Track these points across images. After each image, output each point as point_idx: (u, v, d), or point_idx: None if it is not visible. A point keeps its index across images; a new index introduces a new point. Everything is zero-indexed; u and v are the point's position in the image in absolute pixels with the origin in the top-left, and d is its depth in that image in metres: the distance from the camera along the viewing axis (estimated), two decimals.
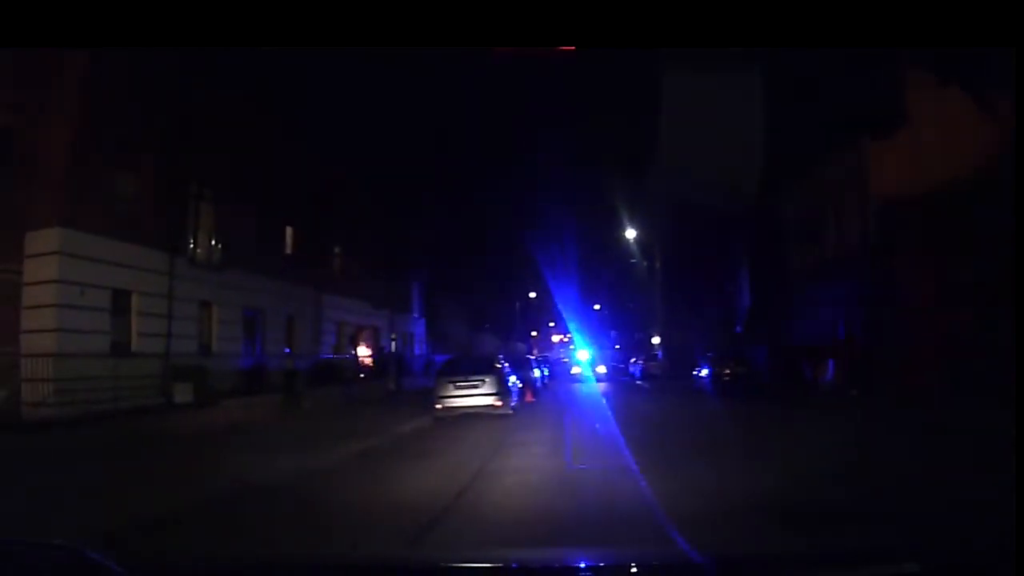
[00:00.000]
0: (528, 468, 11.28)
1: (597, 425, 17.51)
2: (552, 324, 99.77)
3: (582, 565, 2.96)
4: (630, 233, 48.65)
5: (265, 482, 10.24)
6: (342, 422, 18.73)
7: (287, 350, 27.97)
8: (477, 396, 19.56)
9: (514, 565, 3.09)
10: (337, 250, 35.03)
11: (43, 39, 4.42)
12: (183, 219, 22.28)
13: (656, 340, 59.60)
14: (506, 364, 23.24)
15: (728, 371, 30.86)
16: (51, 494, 8.79)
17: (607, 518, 7.58)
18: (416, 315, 49.37)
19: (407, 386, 33.74)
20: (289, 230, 29.69)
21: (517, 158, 60.36)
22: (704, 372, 33.19)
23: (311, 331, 31.08)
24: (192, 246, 22.60)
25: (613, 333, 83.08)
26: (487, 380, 19.84)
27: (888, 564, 2.69)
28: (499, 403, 19.59)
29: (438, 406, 19.63)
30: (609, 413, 21.01)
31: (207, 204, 23.57)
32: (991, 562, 2.62)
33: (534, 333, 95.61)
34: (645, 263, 52.30)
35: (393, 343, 41.06)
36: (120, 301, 19.35)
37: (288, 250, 29.60)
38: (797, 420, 18.81)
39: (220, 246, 23.81)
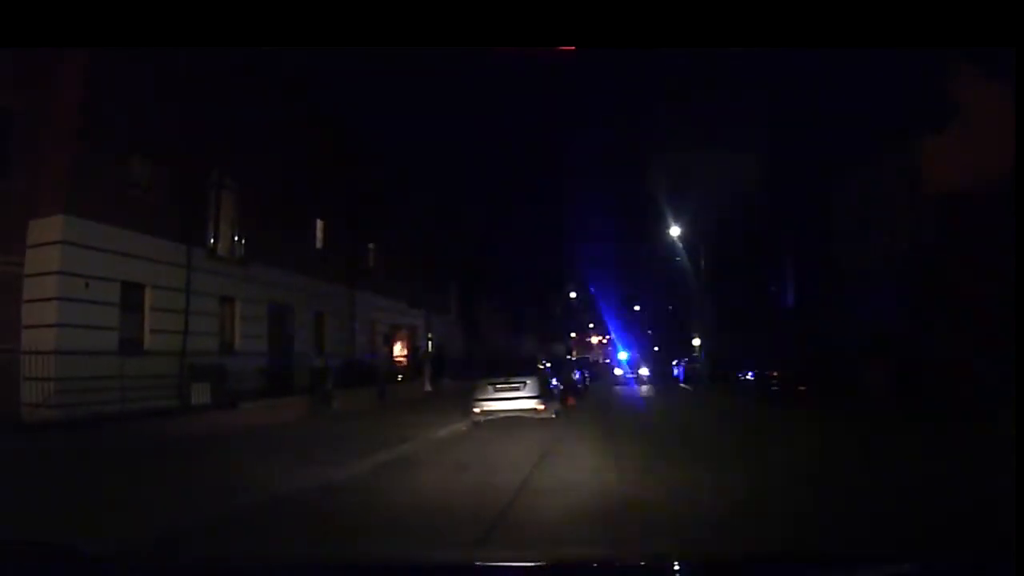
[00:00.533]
0: (576, 485, 9.77)
1: (645, 433, 16.31)
2: (592, 326, 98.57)
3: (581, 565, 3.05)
4: (674, 231, 46.88)
5: (277, 497, 9.20)
6: (373, 426, 17.70)
7: (317, 349, 26.40)
8: (518, 399, 18.43)
9: (514, 565, 3.07)
10: (371, 246, 33.55)
11: (44, 39, 4.49)
12: (203, 209, 20.88)
13: (696, 342, 57.39)
14: (548, 365, 21.75)
15: (775, 375, 29.17)
16: (27, 504, 7.82)
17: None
18: (453, 315, 47.76)
19: (443, 388, 32.16)
20: (319, 224, 28.24)
21: (558, 156, 58.90)
22: (750, 376, 31.83)
23: (343, 330, 29.59)
24: (213, 238, 21.16)
25: (652, 335, 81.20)
26: (528, 382, 18.69)
27: (888, 565, 2.69)
28: (541, 407, 18.43)
29: (476, 410, 18.58)
30: (656, 420, 19.76)
31: (230, 194, 22.14)
32: (990, 562, 2.58)
33: (573, 335, 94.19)
34: (689, 261, 50.46)
35: (429, 343, 39.43)
36: (131, 295, 17.97)
37: (318, 245, 28.14)
38: (855, 434, 16.40)
39: (243, 239, 22.39)
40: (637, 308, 78.22)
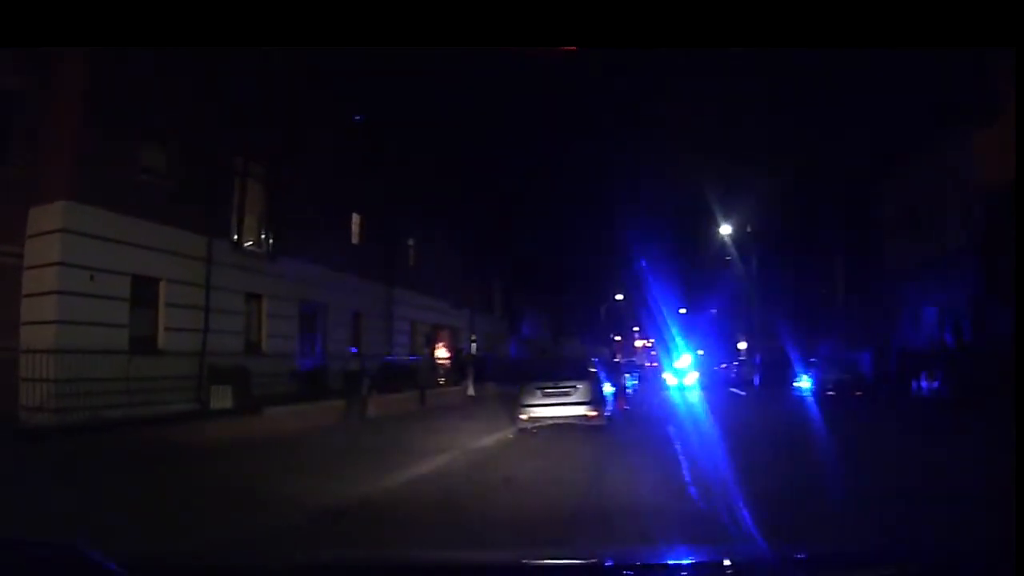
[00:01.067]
0: (642, 509, 8.09)
1: (707, 444, 14.60)
2: (636, 329, 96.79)
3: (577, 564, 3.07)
4: (724, 229, 45.13)
5: (291, 521, 7.74)
6: (411, 434, 16.30)
7: (353, 350, 24.68)
8: (568, 405, 17.12)
9: (516, 565, 3.05)
10: (411, 243, 31.96)
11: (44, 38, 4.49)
12: (226, 199, 19.32)
13: (743, 345, 57.93)
14: (599, 369, 20.20)
15: (832, 379, 28.45)
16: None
17: None
18: (497, 316, 46.00)
19: (487, 392, 30.34)
20: (356, 218, 26.66)
21: (607, 157, 56.96)
22: (805, 380, 30.56)
23: (381, 330, 27.99)
24: (237, 230, 19.56)
25: (698, 338, 79.01)
26: (580, 387, 17.37)
27: (889, 565, 2.63)
28: (593, 412, 17.06)
29: (523, 416, 17.27)
30: (716, 429, 18.01)
31: (256, 183, 20.62)
32: (990, 562, 2.57)
33: (617, 337, 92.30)
34: (740, 261, 48.60)
35: (472, 345, 37.68)
36: (143, 290, 16.44)
37: (355, 240, 26.52)
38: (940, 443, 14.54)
39: (272, 232, 20.82)
40: (683, 311, 75.90)
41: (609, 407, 18.84)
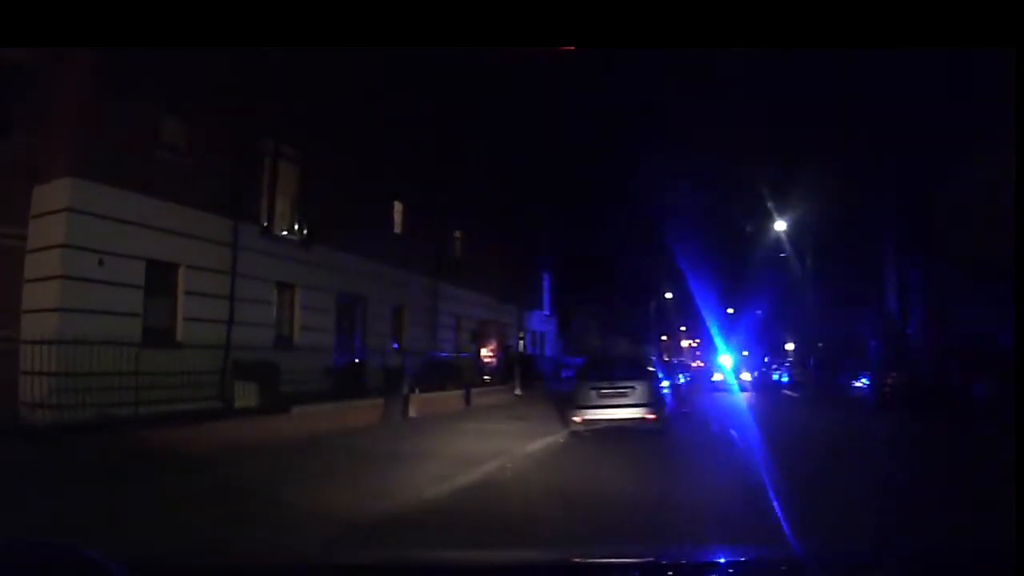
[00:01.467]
0: (730, 531, 6.90)
1: (779, 451, 12.54)
2: (683, 328, 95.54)
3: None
4: (779, 225, 43.50)
5: (314, 537, 6.70)
6: (455, 436, 15.05)
7: (395, 345, 23.11)
8: (625, 407, 16.08)
9: (517, 565, 3.09)
10: (457, 234, 30.32)
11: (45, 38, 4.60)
12: (254, 180, 17.84)
13: (790, 346, 57.96)
14: (657, 368, 19.18)
15: (890, 381, 26.85)
16: None
17: None
18: (547, 313, 44.24)
19: (535, 391, 28.67)
20: (398, 206, 25.03)
21: (657, 153, 55.46)
22: (863, 382, 29.32)
23: (424, 325, 26.39)
24: (267, 214, 18.08)
25: (745, 338, 77.08)
26: (638, 387, 16.29)
27: (889, 566, 2.70)
28: (651, 415, 16.01)
29: (576, 418, 16.24)
30: (782, 434, 16.85)
31: (290, 165, 19.16)
32: (990, 561, 2.58)
33: (664, 337, 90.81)
34: (795, 259, 46.89)
35: (520, 342, 36.02)
36: (160, 276, 14.98)
37: (397, 229, 24.92)
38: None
39: (306, 217, 19.29)
40: (730, 311, 74.03)
41: (667, 409, 17.79)
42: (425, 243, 26.22)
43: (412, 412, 18.99)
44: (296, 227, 19.12)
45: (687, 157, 57.27)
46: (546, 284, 44.43)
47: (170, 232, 14.92)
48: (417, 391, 20.10)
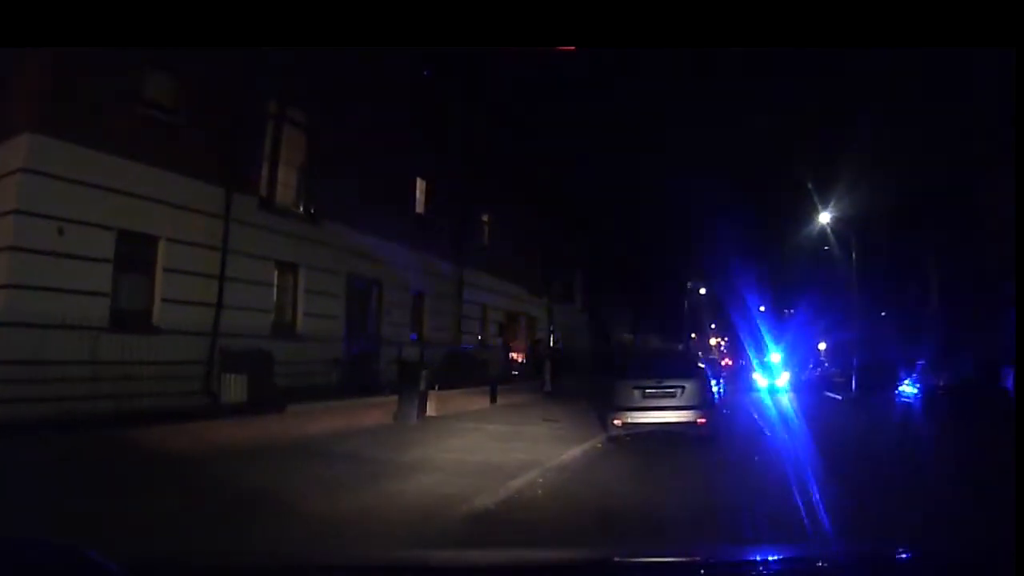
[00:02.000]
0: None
1: (840, 462, 11.20)
2: (713, 326, 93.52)
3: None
4: (823, 217, 41.36)
5: None
6: (477, 441, 12.95)
7: (413, 336, 20.91)
8: (673, 409, 14.07)
9: (515, 565, 3.02)
10: (485, 218, 28.11)
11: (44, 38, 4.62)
12: (256, 146, 15.72)
13: (823, 346, 56.52)
14: (708, 367, 17.23)
15: (943, 386, 25.22)
16: None
17: None
18: (578, 307, 42.00)
19: (567, 388, 26.42)
20: (420, 184, 22.90)
21: (691, 145, 53.77)
22: (910, 386, 27.35)
23: (447, 314, 24.25)
24: (268, 184, 16.01)
25: (778, 338, 75.32)
26: (687, 387, 14.21)
27: (889, 566, 2.72)
28: (702, 419, 13.97)
29: (616, 421, 14.15)
30: (837, 442, 14.79)
31: (297, 131, 17.11)
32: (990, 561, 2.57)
33: (693, 335, 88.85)
34: (838, 250, 44.79)
35: (551, 336, 33.74)
36: (134, 250, 12.97)
37: (419, 209, 22.79)
38: None
39: (314, 190, 17.18)
40: (762, 309, 72.07)
41: (718, 412, 15.66)
42: (450, 226, 24.07)
43: (431, 411, 16.88)
44: (302, 201, 17.03)
45: (726, 146, 55.62)
46: (578, 277, 42.16)
47: (149, 199, 12.89)
48: (437, 387, 18.02)
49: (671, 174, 46.42)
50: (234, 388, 13.19)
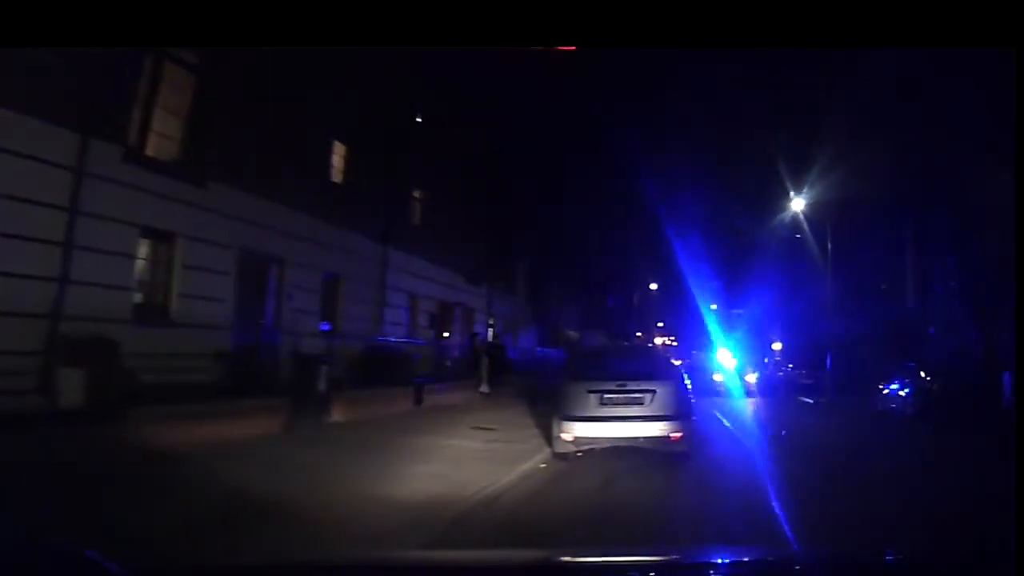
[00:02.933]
0: None
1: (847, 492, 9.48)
2: (660, 324, 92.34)
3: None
4: (797, 204, 39.90)
5: None
6: (387, 458, 10.61)
7: (324, 326, 17.89)
8: (639, 420, 11.24)
9: (513, 565, 2.98)
10: (417, 194, 25.12)
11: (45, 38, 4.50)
12: (125, 85, 12.59)
13: (777, 346, 55.04)
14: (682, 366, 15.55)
15: (936, 390, 23.29)
16: None
17: None
18: (521, 297, 39.37)
19: (506, 388, 23.73)
20: (338, 147, 19.88)
21: (649, 122, 52.17)
22: (896, 389, 25.35)
23: (368, 302, 21.24)
24: (140, 133, 12.96)
25: (730, 336, 74.92)
26: (658, 391, 11.50)
27: (889, 565, 2.68)
28: (677, 433, 11.24)
29: (565, 435, 11.41)
30: (835, 463, 12.55)
31: (184, 72, 14.07)
32: (990, 561, 2.52)
33: (639, 334, 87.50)
34: (807, 242, 43.22)
35: (490, 330, 31.05)
36: None
37: (335, 177, 19.78)
38: None
39: (201, 144, 14.15)
40: (714, 307, 71.28)
41: (692, 424, 12.34)
42: (374, 199, 21.04)
43: (337, 416, 14.10)
44: (185, 157, 13.91)
45: (683, 130, 54.36)
46: (521, 266, 39.54)
47: None
48: (346, 388, 15.18)
49: (621, 163, 44.55)
50: (69, 386, 10.18)
